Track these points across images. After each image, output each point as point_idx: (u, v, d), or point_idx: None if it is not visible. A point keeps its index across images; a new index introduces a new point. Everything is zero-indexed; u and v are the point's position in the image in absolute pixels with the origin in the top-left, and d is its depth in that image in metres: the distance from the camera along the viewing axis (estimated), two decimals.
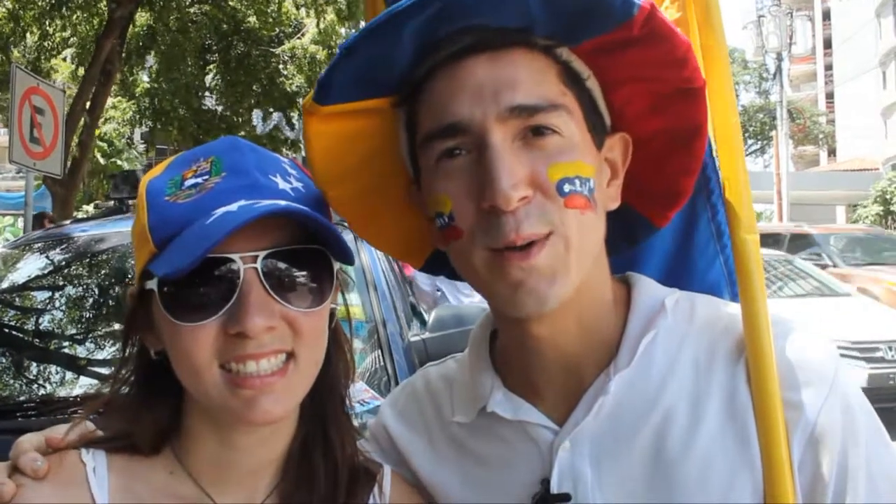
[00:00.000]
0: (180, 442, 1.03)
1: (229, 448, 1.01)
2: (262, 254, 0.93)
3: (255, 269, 0.92)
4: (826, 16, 54.26)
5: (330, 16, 14.94)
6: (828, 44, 52.65)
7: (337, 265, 1.01)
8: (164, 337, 0.97)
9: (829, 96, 53.77)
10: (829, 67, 53.98)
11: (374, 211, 1.15)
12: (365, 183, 1.11)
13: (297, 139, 17.89)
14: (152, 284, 0.94)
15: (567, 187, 0.92)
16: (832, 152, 52.76)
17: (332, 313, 1.05)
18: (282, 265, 0.95)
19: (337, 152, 1.05)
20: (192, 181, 0.97)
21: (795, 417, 0.92)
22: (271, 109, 16.85)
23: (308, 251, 0.97)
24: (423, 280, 6.13)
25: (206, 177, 0.97)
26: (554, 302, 0.93)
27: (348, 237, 1.14)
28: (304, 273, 0.97)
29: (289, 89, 16.14)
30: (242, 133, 17.84)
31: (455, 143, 0.95)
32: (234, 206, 0.92)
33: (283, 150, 17.83)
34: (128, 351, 1.05)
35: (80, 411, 1.07)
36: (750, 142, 52.10)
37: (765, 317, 0.97)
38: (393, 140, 1.08)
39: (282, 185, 0.99)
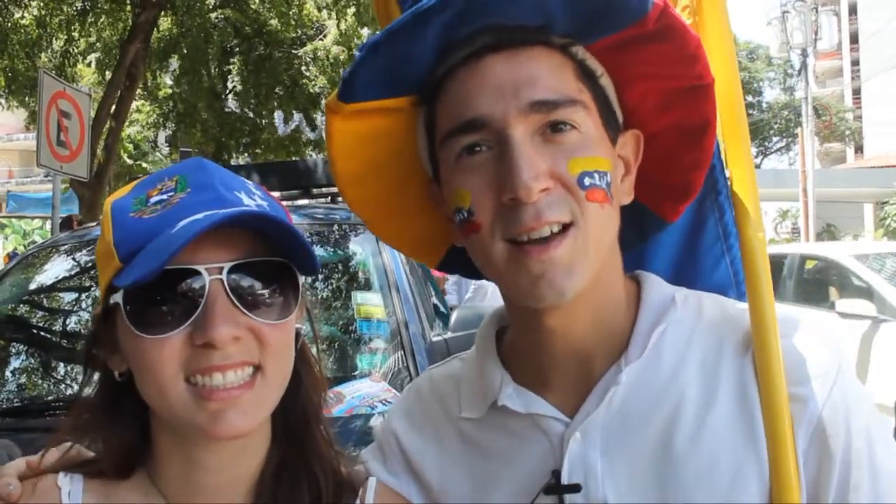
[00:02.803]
0: (152, 463, 1.03)
1: (196, 468, 1.00)
2: (227, 265, 0.93)
3: (221, 280, 0.93)
4: (852, 10, 53.47)
5: (350, 18, 14.98)
6: (854, 39, 51.89)
7: (303, 279, 1.02)
8: (129, 354, 0.96)
9: (856, 92, 52.95)
10: (855, 63, 53.18)
11: (392, 210, 1.17)
12: (383, 182, 1.13)
13: (318, 139, 17.96)
14: (117, 298, 0.94)
15: (588, 181, 0.94)
16: (859, 149, 51.95)
17: (298, 333, 1.05)
18: (247, 277, 0.96)
19: (358, 151, 1.07)
20: (158, 198, 0.98)
21: (800, 411, 0.94)
22: (294, 111, 16.93)
23: (273, 264, 0.98)
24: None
25: (172, 193, 0.97)
26: (571, 293, 0.95)
27: (370, 237, 1.14)
28: (269, 286, 0.98)
29: (311, 91, 16.20)
30: (266, 136, 17.96)
31: (476, 138, 0.97)
32: (199, 216, 0.93)
33: (307, 151, 17.91)
34: (90, 373, 1.05)
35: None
36: (775, 139, 51.55)
37: (772, 313, 0.99)
38: (412, 139, 1.10)
39: (246, 201, 0.99)
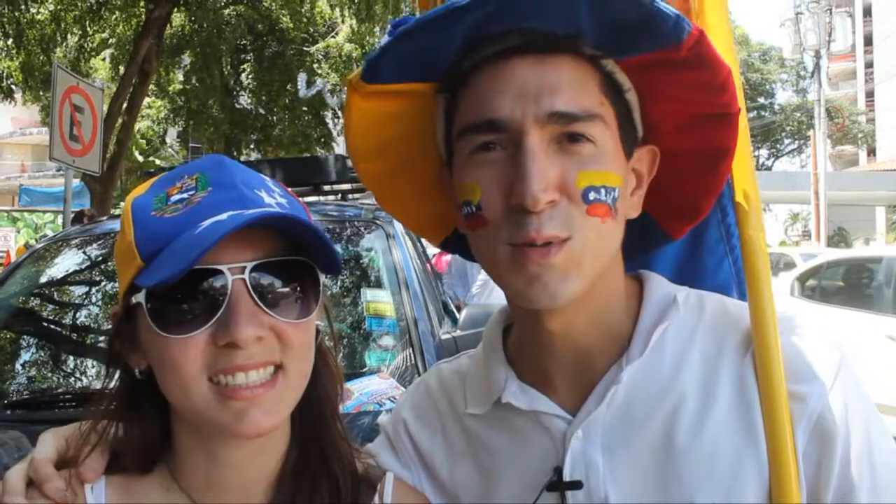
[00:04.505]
0: (173, 459, 1.03)
1: (218, 464, 1.00)
2: (249, 265, 0.93)
3: (244, 280, 0.92)
4: (867, 12, 53.09)
5: (363, 14, 14.98)
6: (868, 41, 51.52)
7: (323, 278, 1.01)
8: (151, 353, 0.96)
9: (869, 95, 52.58)
10: (869, 65, 52.82)
11: (401, 187, 1.18)
12: (396, 160, 1.14)
13: (327, 135, 18.01)
14: (140, 297, 0.93)
15: (592, 195, 0.95)
16: (872, 152, 51.63)
17: (318, 330, 1.05)
18: (270, 276, 0.95)
19: (374, 129, 1.08)
20: (178, 197, 0.97)
21: (800, 409, 0.95)
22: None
23: (295, 263, 0.98)
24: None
25: (192, 192, 0.97)
26: (564, 299, 0.96)
27: (391, 230, 1.14)
28: (291, 285, 0.97)
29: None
30: (276, 132, 18.00)
31: (491, 138, 0.97)
32: (223, 216, 0.92)
33: (317, 148, 17.95)
34: (112, 372, 1.05)
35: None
36: (787, 141, 51.34)
37: (772, 311, 1.00)
38: (429, 123, 1.10)
39: (267, 199, 0.99)
